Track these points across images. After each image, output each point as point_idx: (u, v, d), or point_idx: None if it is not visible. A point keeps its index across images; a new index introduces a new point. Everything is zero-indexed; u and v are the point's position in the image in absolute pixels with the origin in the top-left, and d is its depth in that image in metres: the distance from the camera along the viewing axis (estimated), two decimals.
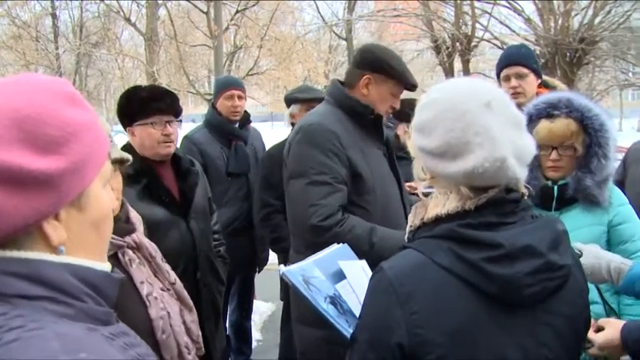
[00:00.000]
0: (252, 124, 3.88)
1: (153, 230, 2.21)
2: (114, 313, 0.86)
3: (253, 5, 16.20)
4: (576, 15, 10.91)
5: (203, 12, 14.51)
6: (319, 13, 17.32)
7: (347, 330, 1.35)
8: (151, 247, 1.81)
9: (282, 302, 3.58)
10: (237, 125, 3.66)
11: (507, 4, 11.54)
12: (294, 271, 1.42)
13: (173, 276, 1.86)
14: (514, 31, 11.70)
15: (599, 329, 1.56)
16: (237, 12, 16.11)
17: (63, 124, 0.80)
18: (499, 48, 12.18)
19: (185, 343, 1.75)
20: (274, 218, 3.29)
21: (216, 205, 2.95)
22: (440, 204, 1.19)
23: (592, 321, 1.51)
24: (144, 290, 1.69)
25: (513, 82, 2.98)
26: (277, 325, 3.93)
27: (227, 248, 2.89)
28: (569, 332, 1.22)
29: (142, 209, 2.25)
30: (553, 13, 10.65)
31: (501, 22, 11.98)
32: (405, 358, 1.10)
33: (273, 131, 23.65)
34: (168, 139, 2.45)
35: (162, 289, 1.80)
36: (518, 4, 11.51)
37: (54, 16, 19.72)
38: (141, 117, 2.40)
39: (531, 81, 3.00)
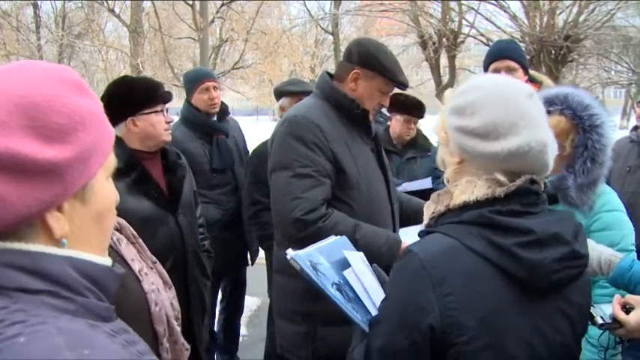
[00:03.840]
0: (232, 117, 3.80)
1: (141, 225, 2.13)
2: (113, 309, 0.84)
3: None
4: (561, 13, 10.99)
5: (188, 4, 14.41)
6: (306, 7, 17.27)
7: (356, 316, 1.34)
8: (130, 228, 1.82)
9: (267, 297, 3.55)
10: (215, 118, 3.56)
11: (494, 1, 11.58)
12: (302, 255, 1.42)
13: (153, 257, 1.87)
14: (500, 28, 11.75)
15: (628, 309, 1.49)
16: (222, 5, 16.01)
17: (71, 112, 0.78)
18: (485, 44, 12.24)
19: (173, 315, 1.80)
20: (263, 216, 3.26)
21: (203, 202, 2.91)
22: (468, 191, 1.21)
23: (616, 297, 1.51)
24: (135, 266, 1.70)
25: (504, 75, 2.97)
26: (263, 319, 3.91)
27: (217, 244, 2.86)
28: (579, 320, 1.26)
29: (131, 203, 2.23)
30: (539, 10, 10.71)
31: (487, 19, 12.02)
32: (434, 340, 1.13)
33: (258, 125, 23.60)
34: (170, 127, 2.49)
35: (148, 268, 1.82)
36: (504, 1, 11.57)
37: (35, 6, 19.42)
38: (147, 105, 2.38)
39: (520, 76, 2.97)
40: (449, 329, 1.12)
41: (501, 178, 1.19)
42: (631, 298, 1.51)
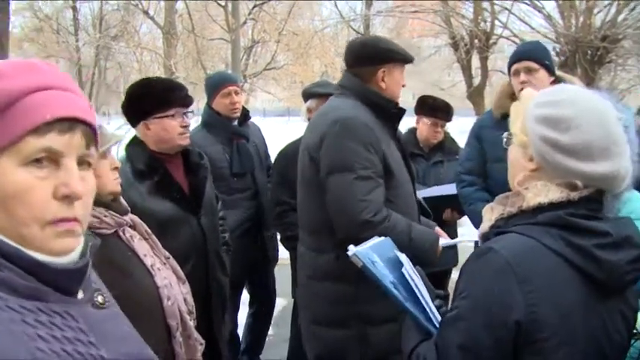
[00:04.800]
0: (264, 120, 3.82)
1: (164, 227, 2.17)
2: (45, 291, 0.81)
3: None
4: (599, 12, 10.74)
5: (221, 5, 14.59)
6: (337, 8, 17.26)
7: (417, 315, 1.36)
8: (144, 225, 1.85)
9: (292, 297, 3.56)
10: (236, 123, 3.51)
11: (527, 1, 11.39)
12: (364, 252, 1.43)
13: (166, 252, 1.90)
14: (534, 29, 11.54)
15: None
16: (254, 6, 16.15)
17: None
18: (517, 45, 12.01)
19: (187, 310, 1.82)
20: (289, 216, 3.24)
21: (223, 207, 2.91)
22: (542, 194, 1.24)
23: None
24: (148, 262, 1.73)
25: (522, 76, 2.87)
26: (288, 320, 3.91)
27: (237, 250, 2.86)
28: (633, 322, 1.31)
29: (154, 205, 2.23)
30: (574, 10, 10.49)
31: (521, 20, 11.83)
32: (518, 336, 1.15)
33: (288, 126, 23.68)
34: (187, 131, 2.43)
35: (161, 263, 1.86)
36: (538, 1, 11.36)
37: (74, 9, 19.94)
38: (160, 109, 2.35)
39: (542, 77, 2.88)
40: (531, 325, 1.15)
41: (580, 184, 1.23)
42: None
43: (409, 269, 1.42)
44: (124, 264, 1.68)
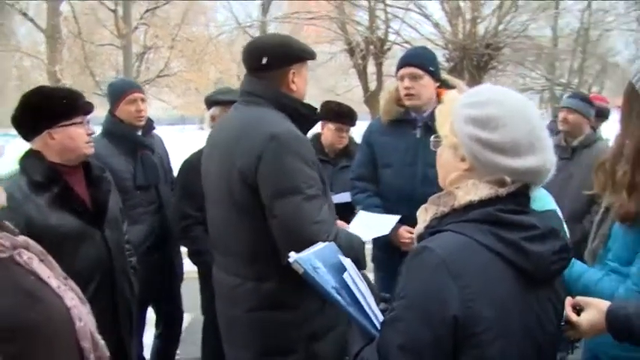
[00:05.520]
0: (157, 129, 3.58)
1: (66, 242, 2.10)
2: None
3: (164, 4, 15.74)
4: (481, 22, 11.44)
5: (111, 10, 13.92)
6: (233, 14, 17.07)
7: (359, 320, 1.34)
8: (38, 246, 1.72)
9: (198, 312, 3.41)
10: (140, 133, 3.34)
11: (418, 10, 11.90)
12: (305, 258, 1.39)
13: (62, 272, 1.77)
14: (423, 35, 12.07)
15: (579, 310, 1.53)
16: (146, 11, 15.59)
17: None
18: None
19: (94, 331, 1.72)
20: (194, 230, 3.12)
21: (128, 222, 2.74)
22: (472, 192, 1.29)
23: (568, 299, 1.54)
24: (53, 283, 1.61)
25: (406, 82, 2.95)
26: (196, 337, 3.75)
27: (140, 268, 2.70)
28: (561, 310, 1.39)
29: (54, 219, 2.13)
30: (463, 18, 11.10)
31: (412, 27, 12.33)
32: (456, 331, 1.18)
33: (183, 135, 23.06)
34: (92, 140, 2.35)
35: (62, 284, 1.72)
36: (428, 9, 11.91)
37: None
38: (66, 117, 2.25)
39: (426, 83, 2.97)
40: (468, 320, 1.18)
41: (508, 179, 1.30)
42: (581, 299, 1.54)
43: (353, 274, 1.40)
44: (32, 288, 1.52)
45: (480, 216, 1.26)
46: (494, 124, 1.28)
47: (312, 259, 1.40)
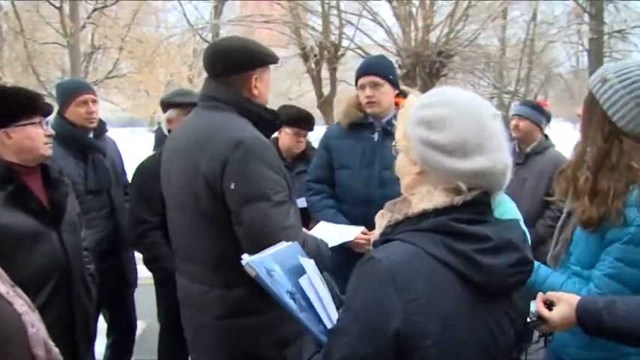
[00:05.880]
0: (109, 131, 3.49)
1: (20, 242, 2.06)
2: None
3: (112, 4, 15.31)
4: (433, 29, 11.67)
5: (56, 7, 13.44)
6: (185, 15, 16.79)
7: (311, 326, 1.30)
8: None
9: (152, 319, 3.31)
10: (91, 135, 3.24)
11: (371, 17, 12.03)
12: (258, 261, 1.34)
13: (9, 279, 1.69)
14: (376, 42, 12.22)
15: (549, 304, 1.56)
16: (94, 10, 15.13)
17: None
18: (363, 58, 12.63)
19: (46, 338, 1.64)
20: (150, 236, 3.03)
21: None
22: (426, 199, 1.24)
23: (539, 294, 1.58)
24: (1, 289, 1.53)
25: (368, 91, 3.01)
26: (150, 346, 3.64)
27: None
28: (520, 322, 1.34)
29: (8, 219, 2.08)
30: (415, 26, 11.30)
31: (365, 34, 12.46)
32: (399, 346, 1.14)
33: (134, 137, 22.56)
34: (50, 141, 2.31)
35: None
36: (380, 16, 12.06)
37: None
38: (24, 116, 2.21)
39: (386, 91, 3.04)
40: (412, 334, 1.14)
41: (464, 187, 1.24)
42: (551, 294, 1.58)
43: (312, 276, 1.37)
44: None
45: (433, 225, 1.21)
46: (440, 124, 1.24)
47: (268, 262, 1.35)
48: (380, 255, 1.20)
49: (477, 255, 1.18)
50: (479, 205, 1.25)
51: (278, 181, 2.00)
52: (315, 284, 1.36)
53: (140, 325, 4.71)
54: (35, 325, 1.54)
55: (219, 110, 2.09)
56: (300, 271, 1.38)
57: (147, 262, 3.15)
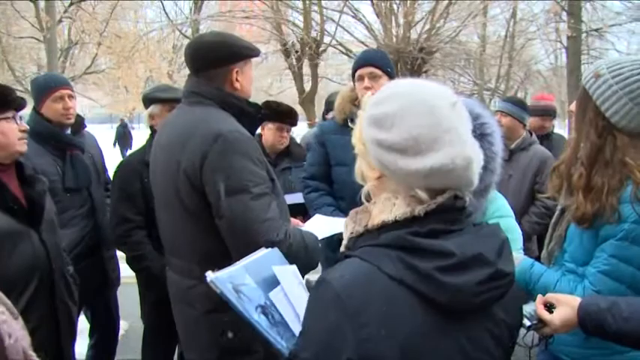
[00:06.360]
0: (88, 130, 3.39)
1: (0, 243, 2.00)
2: None
3: None
4: (414, 26, 11.69)
5: (31, 0, 13.17)
6: (164, 10, 16.59)
7: (280, 343, 1.24)
8: None
9: (135, 319, 3.24)
10: (69, 131, 3.15)
11: (352, 13, 12.01)
12: (223, 278, 1.27)
13: None
14: (356, 38, 12.21)
15: (549, 307, 1.52)
16: (71, 4, 14.85)
17: None
18: (343, 54, 12.66)
19: (27, 347, 1.57)
20: (134, 235, 2.97)
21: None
22: (386, 209, 1.12)
23: (539, 297, 1.53)
24: None
25: (366, 82, 3.01)
26: (134, 345, 3.59)
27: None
28: (508, 336, 1.22)
29: None
30: (396, 22, 11.30)
31: (345, 30, 12.44)
32: None
33: (112, 133, 22.22)
34: (24, 136, 2.24)
35: None
36: (361, 12, 12.05)
37: None
38: None
39: (384, 83, 3.04)
40: None
41: (422, 195, 1.11)
42: (551, 296, 1.55)
43: (287, 287, 1.30)
44: None
45: (391, 240, 1.08)
46: (390, 121, 1.11)
47: (238, 275, 1.30)
48: (331, 276, 1.09)
49: (437, 273, 1.05)
50: (449, 212, 1.11)
51: (258, 173, 1.98)
52: (290, 294, 1.29)
53: (123, 325, 4.64)
54: (13, 335, 1.47)
55: (200, 105, 2.10)
56: (276, 281, 1.33)
57: (130, 262, 3.08)
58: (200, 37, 2.34)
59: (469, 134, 1.14)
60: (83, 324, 3.45)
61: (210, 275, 1.28)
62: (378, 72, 3.01)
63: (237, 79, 2.12)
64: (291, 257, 1.92)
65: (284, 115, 3.81)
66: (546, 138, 4.64)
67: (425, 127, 1.09)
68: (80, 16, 15.39)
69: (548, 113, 4.77)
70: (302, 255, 1.98)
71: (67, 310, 2.31)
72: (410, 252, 1.07)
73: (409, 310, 1.06)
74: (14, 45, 16.06)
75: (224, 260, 1.95)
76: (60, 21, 14.53)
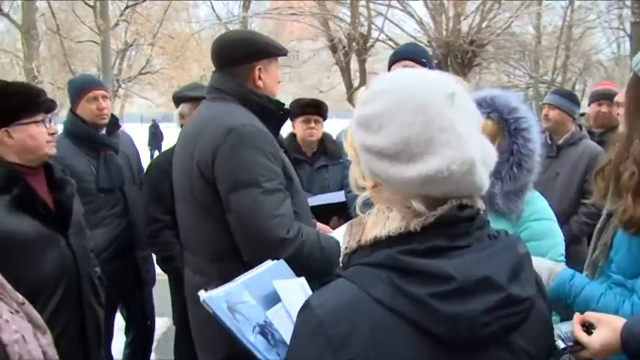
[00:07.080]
0: (123, 130, 3.45)
1: (28, 248, 1.99)
2: None
3: (144, 0, 15.49)
4: (465, 18, 11.39)
5: (89, 5, 13.67)
6: (214, 10, 16.87)
7: None
8: None
9: (172, 323, 3.27)
10: (104, 132, 3.20)
11: (401, 7, 11.83)
12: (218, 297, 1.22)
13: (20, 296, 1.61)
14: (405, 32, 12.02)
15: (588, 327, 1.32)
16: (127, 7, 15.33)
17: None
18: (393, 48, 12.46)
19: None
20: (163, 235, 2.98)
21: (89, 225, 2.60)
22: (380, 223, 0.98)
23: (576, 315, 1.34)
24: None
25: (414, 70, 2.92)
26: (171, 344, 3.62)
27: (108, 274, 2.57)
28: None
29: (14, 224, 2.00)
30: (446, 15, 11.05)
31: (395, 24, 12.26)
32: None
33: (168, 132, 22.82)
34: (54, 139, 2.23)
35: (10, 312, 1.54)
36: (411, 6, 11.84)
37: None
38: (26, 115, 2.13)
39: None
40: None
41: (418, 206, 0.95)
42: (591, 315, 1.34)
43: (289, 304, 1.22)
44: None
45: (382, 259, 0.94)
46: (377, 123, 0.96)
47: (236, 293, 1.23)
48: (315, 302, 0.96)
49: (432, 300, 0.90)
50: (452, 225, 0.95)
51: (271, 168, 1.94)
52: (293, 311, 1.18)
53: (163, 324, 4.72)
54: (25, 355, 1.44)
55: (222, 101, 2.10)
56: (278, 297, 1.25)
57: (160, 263, 3.12)
58: (225, 34, 2.34)
59: (472, 129, 0.97)
60: (121, 322, 3.52)
61: (202, 295, 1.22)
62: (412, 64, 2.93)
63: (259, 77, 2.11)
64: (303, 257, 1.88)
65: (307, 106, 3.75)
66: (611, 130, 4.05)
67: (415, 127, 0.93)
68: (135, 18, 15.88)
69: (605, 97, 4.21)
70: (317, 256, 1.91)
71: (95, 315, 2.30)
72: (402, 274, 0.92)
73: (403, 341, 0.92)
74: (75, 49, 16.73)
75: (235, 259, 1.95)
76: (116, 24, 15.01)
